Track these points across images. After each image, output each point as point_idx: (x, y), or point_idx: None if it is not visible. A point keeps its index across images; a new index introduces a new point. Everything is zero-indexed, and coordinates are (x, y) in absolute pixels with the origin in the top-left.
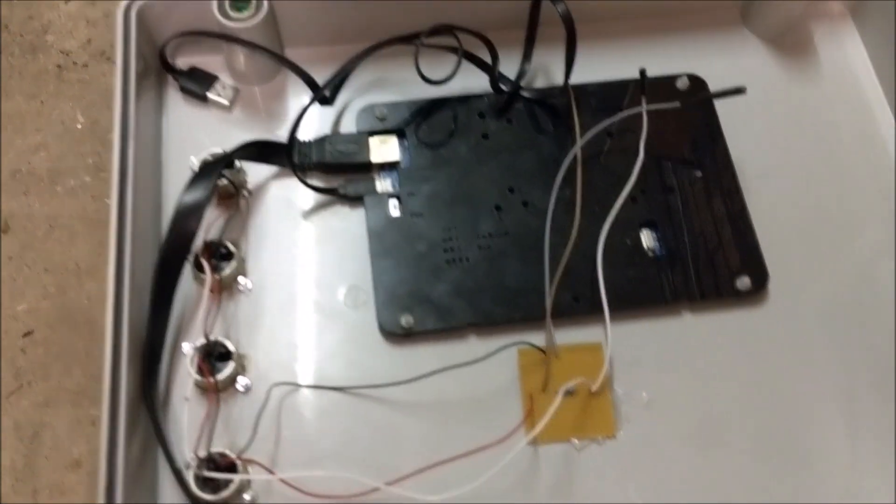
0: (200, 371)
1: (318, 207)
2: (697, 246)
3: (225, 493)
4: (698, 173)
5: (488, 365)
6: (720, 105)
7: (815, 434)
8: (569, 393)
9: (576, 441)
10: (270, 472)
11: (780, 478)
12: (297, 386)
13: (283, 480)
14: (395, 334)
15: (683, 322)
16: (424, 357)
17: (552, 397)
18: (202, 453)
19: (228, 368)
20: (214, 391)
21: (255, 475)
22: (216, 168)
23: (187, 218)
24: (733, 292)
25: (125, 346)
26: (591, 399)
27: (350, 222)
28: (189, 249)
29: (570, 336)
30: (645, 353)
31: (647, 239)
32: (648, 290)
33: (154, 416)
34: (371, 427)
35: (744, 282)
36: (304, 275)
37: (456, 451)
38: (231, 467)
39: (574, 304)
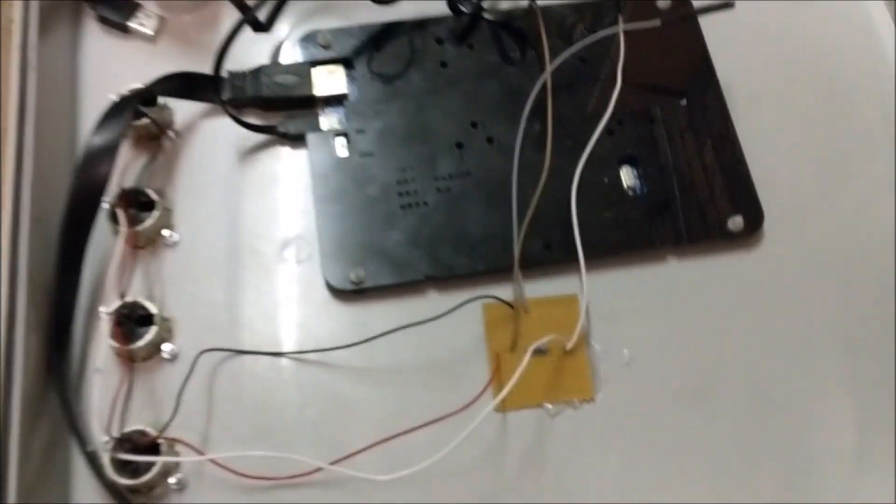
0: (116, 337)
1: (255, 149)
2: (684, 183)
3: (146, 477)
4: (683, 102)
5: (449, 323)
6: (707, 25)
7: (812, 390)
8: (540, 352)
9: (549, 406)
10: (199, 451)
11: (774, 440)
12: (232, 352)
13: (214, 461)
14: (344, 291)
15: (668, 269)
16: (377, 316)
17: (521, 357)
18: (115, 433)
19: (150, 333)
20: (128, 360)
21: (181, 457)
22: (131, 104)
23: (97, 162)
24: (724, 234)
25: (23, 312)
26: (566, 358)
27: (291, 165)
28: (100, 198)
29: (541, 288)
30: (626, 304)
31: (626, 177)
32: (629, 233)
33: (64, 392)
34: (317, 397)
35: (736, 222)
36: (240, 226)
37: (414, 422)
38: (153, 447)
39: (546, 252)
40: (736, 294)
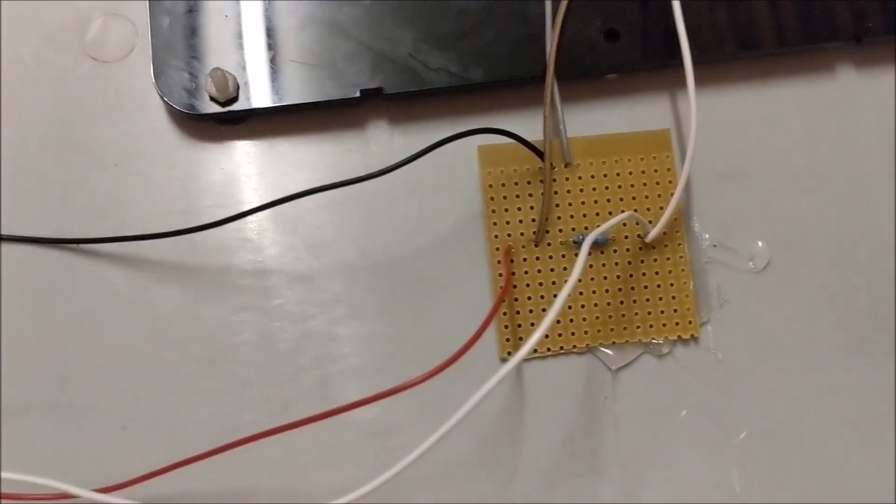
0: None
1: None
2: None
3: None
4: None
5: (410, 183)
6: None
7: None
8: (595, 245)
9: (609, 352)
10: None
11: None
12: None
13: None
14: (200, 117)
15: (837, 85)
16: (269, 168)
17: (558, 255)
18: None
19: None
20: None
21: None
22: None
23: None
24: None
25: None
26: (646, 258)
27: None
28: None
29: (598, 119)
30: (760, 152)
31: None
32: (772, 20)
33: None
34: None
35: None
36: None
37: (319, 404)
38: None
39: (610, 48)
40: None
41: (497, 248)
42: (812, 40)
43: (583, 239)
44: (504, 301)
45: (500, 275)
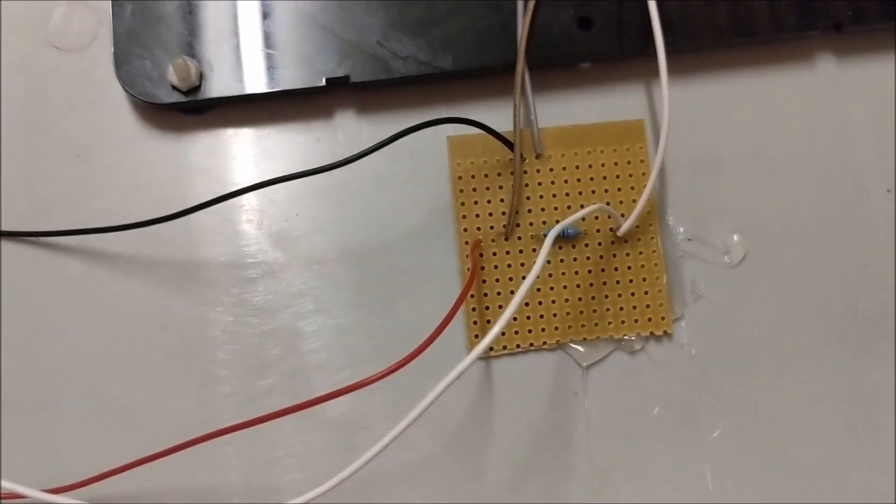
0: None
1: None
2: None
3: None
4: None
5: (375, 173)
6: None
7: None
8: (566, 239)
9: (579, 348)
10: None
11: None
12: None
13: None
14: (160, 104)
15: (816, 76)
16: (234, 157)
17: (529, 248)
18: None
19: None
20: None
21: None
22: None
23: None
24: None
25: None
26: (618, 252)
27: None
28: None
29: (570, 109)
30: (737, 143)
31: None
32: (748, 9)
33: None
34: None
35: None
36: None
37: (287, 398)
38: None
39: (583, 36)
40: None
41: (466, 242)
42: (791, 29)
43: (554, 232)
44: (468, 296)
45: (468, 269)
